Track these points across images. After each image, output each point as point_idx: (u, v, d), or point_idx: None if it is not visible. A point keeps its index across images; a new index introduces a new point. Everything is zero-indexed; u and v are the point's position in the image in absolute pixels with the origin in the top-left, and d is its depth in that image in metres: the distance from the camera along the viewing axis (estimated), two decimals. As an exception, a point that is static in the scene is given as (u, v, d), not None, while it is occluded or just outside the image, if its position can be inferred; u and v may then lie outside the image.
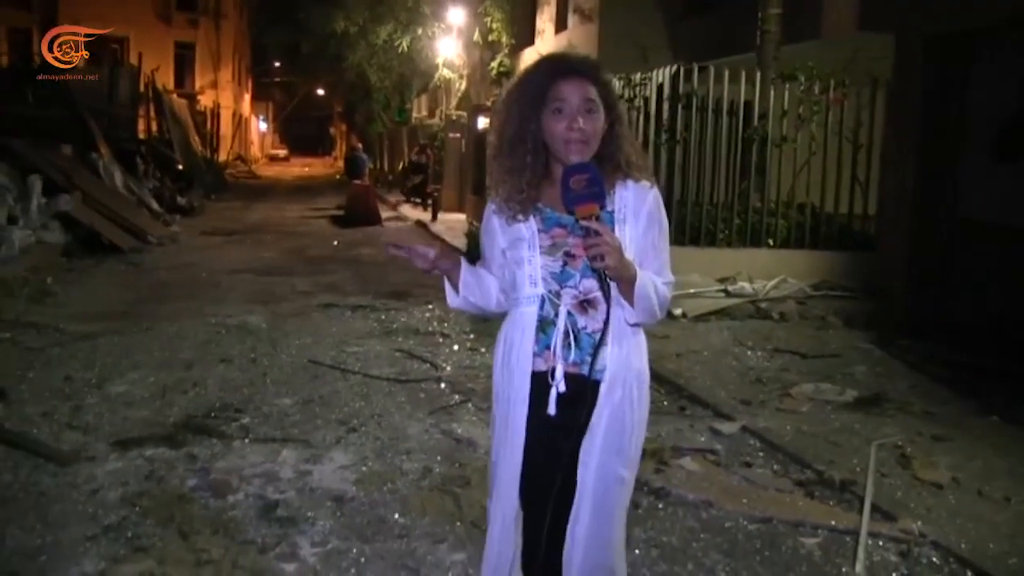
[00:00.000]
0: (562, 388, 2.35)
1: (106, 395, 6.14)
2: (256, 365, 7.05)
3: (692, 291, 9.54)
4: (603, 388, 2.36)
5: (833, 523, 4.15)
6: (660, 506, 4.35)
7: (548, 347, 2.38)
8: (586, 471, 2.36)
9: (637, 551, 3.82)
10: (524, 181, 2.40)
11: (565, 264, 2.39)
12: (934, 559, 3.82)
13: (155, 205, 18.53)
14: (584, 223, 2.24)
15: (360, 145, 33.13)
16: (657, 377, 6.69)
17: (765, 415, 5.82)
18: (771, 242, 10.60)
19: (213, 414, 5.75)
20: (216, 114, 41.97)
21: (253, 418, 5.68)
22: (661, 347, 7.63)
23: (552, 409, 2.36)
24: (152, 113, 27.40)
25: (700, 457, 5.03)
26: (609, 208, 2.39)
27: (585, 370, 2.34)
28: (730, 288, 9.75)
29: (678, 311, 8.97)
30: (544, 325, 2.40)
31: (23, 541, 3.85)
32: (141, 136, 25.44)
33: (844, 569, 3.73)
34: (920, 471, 4.81)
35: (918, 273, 8.97)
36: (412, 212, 22.96)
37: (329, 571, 3.65)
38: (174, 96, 32.69)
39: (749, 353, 7.62)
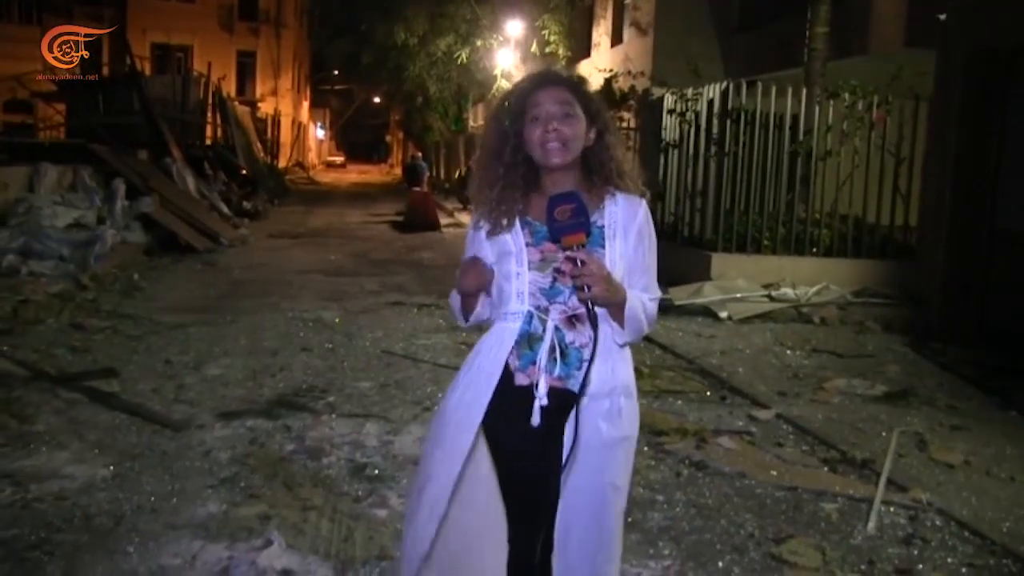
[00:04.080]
0: (545, 402, 2.33)
1: (204, 376, 6.87)
2: (334, 354, 7.74)
3: (738, 295, 10.08)
4: (586, 402, 2.35)
5: (851, 492, 4.72)
6: (699, 475, 4.95)
7: (533, 362, 2.36)
8: (573, 489, 2.38)
9: (678, 509, 4.45)
10: (496, 192, 2.45)
11: (555, 280, 2.38)
12: (937, 522, 4.37)
13: (225, 208, 19.40)
14: (570, 253, 2.27)
15: (420, 153, 34.00)
16: (701, 371, 7.32)
17: (799, 405, 6.39)
18: (815, 250, 11.07)
19: (301, 394, 6.45)
20: (276, 121, 43.27)
21: (337, 397, 6.38)
22: (706, 345, 8.23)
23: (536, 419, 2.34)
24: (217, 120, 28.47)
25: (737, 437, 5.61)
26: (599, 223, 2.42)
27: (572, 385, 2.35)
28: (774, 293, 10.26)
29: (724, 314, 9.54)
30: (531, 341, 2.38)
31: (156, 487, 4.57)
32: (208, 142, 26.49)
33: (858, 528, 4.30)
34: (936, 453, 5.36)
35: (955, 281, 9.38)
36: (469, 219, 23.60)
37: (414, 517, 4.29)
38: (236, 103, 33.79)
39: (789, 352, 8.15)
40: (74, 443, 5.19)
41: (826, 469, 5.15)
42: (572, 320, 2.36)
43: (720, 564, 3.88)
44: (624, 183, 2.46)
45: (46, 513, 4.19)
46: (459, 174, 32.48)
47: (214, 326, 8.73)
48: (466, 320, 2.56)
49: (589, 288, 2.23)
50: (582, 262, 2.24)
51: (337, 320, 9.24)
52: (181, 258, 13.86)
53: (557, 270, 2.36)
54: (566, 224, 2.26)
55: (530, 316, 2.38)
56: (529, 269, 2.39)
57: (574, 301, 2.34)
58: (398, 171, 55.73)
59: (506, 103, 2.50)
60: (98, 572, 3.66)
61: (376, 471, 4.91)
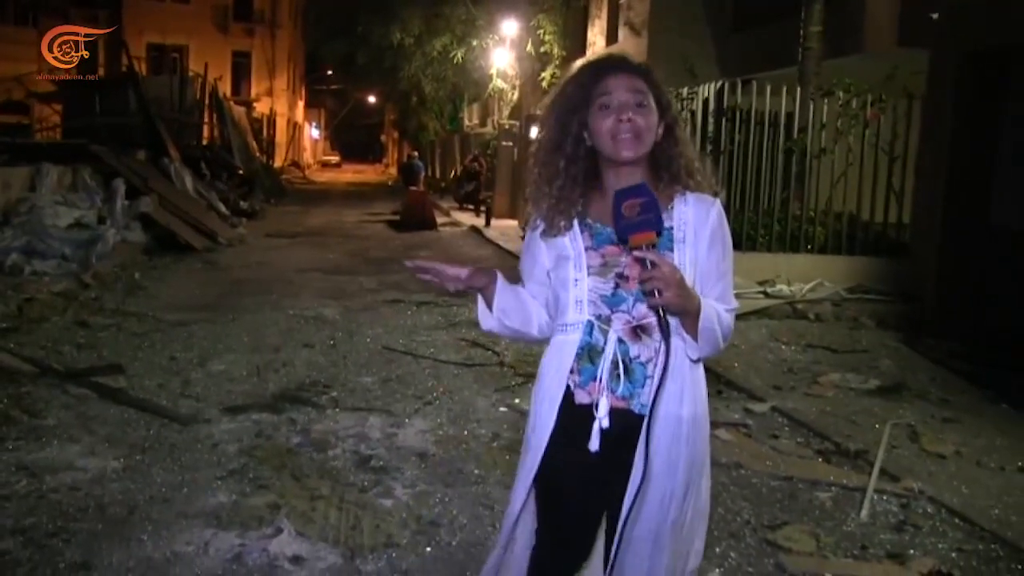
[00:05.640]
0: (606, 424, 2.14)
1: (209, 372, 6.98)
2: (336, 350, 7.85)
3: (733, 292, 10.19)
4: (652, 426, 2.11)
5: (845, 482, 4.85)
6: (697, 466, 5.07)
7: (594, 378, 2.17)
8: (631, 516, 2.15)
9: (676, 498, 4.56)
10: (556, 187, 2.24)
11: (617, 286, 2.17)
12: (928, 510, 4.51)
13: (222, 208, 19.43)
14: (639, 254, 2.03)
15: (416, 153, 34.11)
16: (697, 365, 7.41)
17: (794, 398, 6.53)
18: (809, 247, 11.20)
19: (304, 388, 6.56)
20: (272, 121, 43.26)
21: (340, 392, 6.49)
22: (702, 341, 8.34)
23: (595, 445, 2.16)
24: (214, 120, 28.50)
25: (734, 429, 5.74)
26: (667, 224, 2.17)
27: (636, 406, 2.15)
28: (769, 290, 10.39)
29: (719, 310, 9.64)
30: (592, 354, 2.18)
31: (167, 478, 4.68)
32: (205, 142, 26.53)
33: (851, 516, 4.43)
34: (927, 444, 5.49)
35: (948, 278, 9.50)
36: (465, 218, 23.74)
37: (420, 507, 4.41)
38: (232, 103, 33.80)
39: (784, 348, 8.28)
40: (84, 437, 5.30)
41: (820, 460, 5.28)
42: (636, 331, 2.15)
43: (718, 550, 3.99)
44: (695, 182, 2.25)
45: (61, 503, 4.30)
46: (455, 173, 32.63)
47: (216, 323, 8.83)
48: (492, 315, 2.33)
49: (660, 293, 2.00)
50: (652, 263, 2.00)
51: (337, 317, 9.34)
52: (181, 257, 13.95)
53: (620, 275, 2.16)
54: (635, 221, 2.04)
55: (590, 327, 2.19)
56: (589, 275, 2.19)
57: (639, 310, 2.14)
58: (393, 170, 55.85)
59: (569, 90, 2.27)
60: (114, 558, 3.76)
61: (381, 462, 5.03)
